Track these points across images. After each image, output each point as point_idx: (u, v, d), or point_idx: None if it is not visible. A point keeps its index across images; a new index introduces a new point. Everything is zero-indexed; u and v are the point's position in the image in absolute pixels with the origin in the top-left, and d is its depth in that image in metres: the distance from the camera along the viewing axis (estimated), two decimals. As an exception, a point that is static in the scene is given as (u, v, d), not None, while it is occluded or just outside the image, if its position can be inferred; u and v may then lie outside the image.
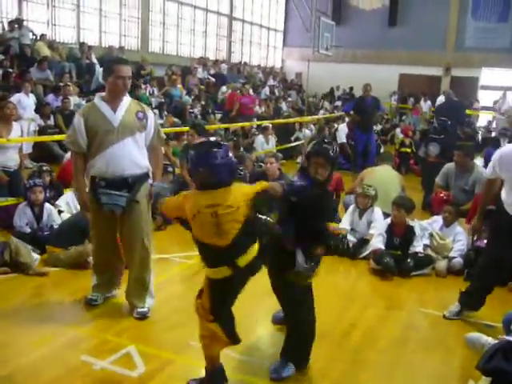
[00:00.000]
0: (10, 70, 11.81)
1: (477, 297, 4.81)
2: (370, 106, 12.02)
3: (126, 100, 4.41)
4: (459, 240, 6.27)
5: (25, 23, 13.91)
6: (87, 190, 4.45)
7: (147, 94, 14.53)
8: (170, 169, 8.03)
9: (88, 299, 4.75)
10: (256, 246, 3.34)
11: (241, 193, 3.26)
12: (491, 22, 24.57)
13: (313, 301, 3.94)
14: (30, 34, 13.88)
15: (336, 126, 15.05)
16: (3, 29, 13.52)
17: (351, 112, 12.76)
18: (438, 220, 6.67)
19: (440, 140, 9.48)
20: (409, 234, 6.26)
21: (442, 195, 7.49)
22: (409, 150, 13.03)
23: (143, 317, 4.52)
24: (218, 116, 16.16)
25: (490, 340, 3.86)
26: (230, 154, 3.23)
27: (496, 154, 4.55)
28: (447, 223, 6.48)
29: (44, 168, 7.23)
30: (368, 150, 11.88)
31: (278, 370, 3.80)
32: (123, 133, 4.32)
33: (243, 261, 3.29)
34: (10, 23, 13.45)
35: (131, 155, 4.37)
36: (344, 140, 12.87)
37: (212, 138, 3.44)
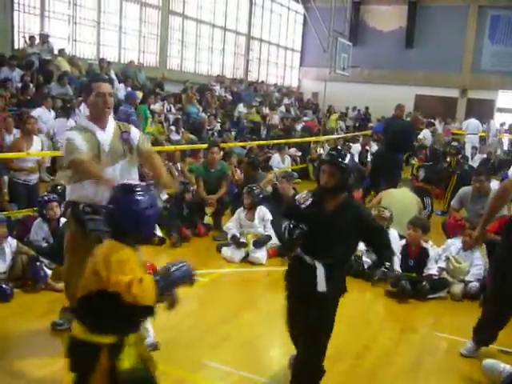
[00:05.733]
0: (31, 84, 11.98)
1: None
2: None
3: (111, 122, 4.09)
4: (477, 264, 6.22)
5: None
6: (67, 215, 4.21)
7: (164, 110, 14.66)
8: (190, 188, 8.05)
9: (54, 323, 4.51)
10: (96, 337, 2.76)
11: (110, 265, 2.68)
12: (508, 46, 24.57)
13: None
14: (53, 49, 14.09)
15: (351, 145, 15.10)
16: (25, 43, 13.72)
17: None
18: (454, 243, 6.62)
19: (427, 166, 9.60)
20: (423, 256, 6.25)
21: (456, 219, 7.44)
22: (425, 174, 12.98)
23: (155, 347, 4.09)
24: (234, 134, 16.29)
25: (508, 367, 3.82)
26: (146, 206, 2.83)
27: None
28: (466, 247, 6.44)
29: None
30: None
31: None
32: (113, 157, 4.00)
33: (76, 329, 2.81)
34: (31, 38, 13.67)
35: (122, 180, 3.84)
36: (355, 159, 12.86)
37: (133, 181, 3.08)
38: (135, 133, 4.18)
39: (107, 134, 3.99)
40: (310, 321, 3.55)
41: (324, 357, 3.62)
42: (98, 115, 3.97)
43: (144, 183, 3.09)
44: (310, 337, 3.58)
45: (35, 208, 6.94)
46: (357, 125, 24.08)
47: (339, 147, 4.22)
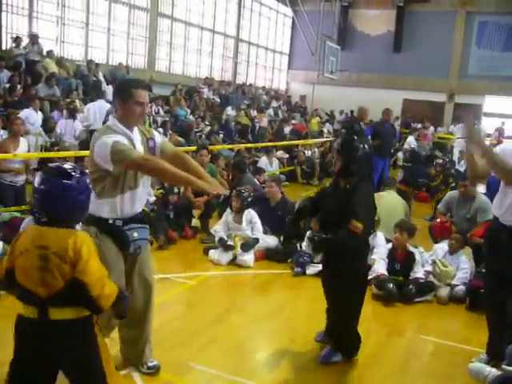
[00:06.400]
0: (18, 85, 11.92)
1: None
2: (388, 132, 11.91)
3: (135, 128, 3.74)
4: (463, 268, 6.25)
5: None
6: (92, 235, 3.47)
7: (153, 112, 14.64)
8: (176, 190, 8.03)
9: None
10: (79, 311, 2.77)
11: (81, 254, 2.69)
12: (495, 51, 24.78)
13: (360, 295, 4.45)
14: (42, 50, 14.03)
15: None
16: (13, 42, 13.64)
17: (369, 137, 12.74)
18: (441, 247, 6.66)
19: (406, 168, 9.59)
20: (410, 260, 6.27)
21: (442, 221, 7.47)
22: (412, 178, 13.09)
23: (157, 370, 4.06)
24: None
25: (494, 371, 3.83)
26: (80, 189, 2.77)
27: (499, 148, 4.27)
28: (452, 250, 6.47)
29: None
30: (382, 176, 11.76)
31: (327, 357, 4.40)
32: None
33: (57, 314, 2.72)
34: (17, 39, 13.59)
35: (147, 191, 3.95)
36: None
37: (67, 165, 2.86)
38: (158, 137, 3.88)
39: (137, 143, 3.66)
40: (333, 288, 4.37)
41: (353, 318, 4.40)
42: (131, 123, 3.64)
43: (75, 166, 2.92)
44: (333, 302, 4.44)
45: (23, 208, 6.94)
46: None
47: (352, 138, 4.37)
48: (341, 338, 4.46)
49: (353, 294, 4.32)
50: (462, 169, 13.63)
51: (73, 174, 2.77)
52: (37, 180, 2.74)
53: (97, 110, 11.53)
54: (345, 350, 4.47)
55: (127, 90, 3.61)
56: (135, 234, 3.70)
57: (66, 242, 2.68)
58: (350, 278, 4.22)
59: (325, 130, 21.31)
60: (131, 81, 4.04)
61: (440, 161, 13.55)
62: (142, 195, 3.80)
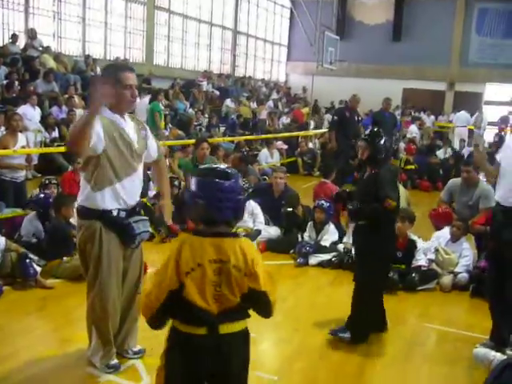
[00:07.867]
0: (16, 81, 11.89)
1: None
2: (388, 121, 11.87)
3: (127, 115, 3.74)
4: (465, 256, 6.24)
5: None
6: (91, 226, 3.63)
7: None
8: (176, 183, 8.00)
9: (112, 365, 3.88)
10: (244, 323, 2.62)
11: (255, 261, 2.51)
12: (495, 38, 24.68)
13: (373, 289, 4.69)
14: (39, 46, 14.01)
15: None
16: (10, 38, 13.60)
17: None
18: (442, 235, 6.63)
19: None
20: (411, 248, 6.24)
21: (441, 210, 7.42)
22: (413, 167, 13.11)
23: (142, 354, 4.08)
24: (222, 129, 16.30)
25: (498, 356, 3.82)
26: (239, 189, 2.57)
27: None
28: (454, 238, 6.45)
29: (53, 181, 7.17)
30: None
31: (336, 331, 4.62)
32: (140, 155, 3.72)
33: (226, 328, 2.54)
34: (13, 36, 13.55)
35: (142, 179, 3.83)
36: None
37: (222, 165, 2.65)
38: (149, 132, 3.88)
39: (130, 130, 3.65)
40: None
41: (365, 300, 4.57)
42: (123, 108, 3.62)
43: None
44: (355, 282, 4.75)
45: (26, 206, 6.94)
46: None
47: (378, 130, 4.72)
48: (350, 316, 4.61)
49: (370, 273, 4.55)
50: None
51: (232, 172, 2.56)
52: (198, 185, 2.51)
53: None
54: (351, 329, 4.57)
55: (114, 74, 3.59)
56: (140, 227, 3.66)
57: (242, 253, 2.49)
58: (368, 256, 4.53)
59: (312, 122, 21.02)
60: (116, 65, 4.06)
61: (452, 151, 13.56)
62: (139, 184, 3.77)
